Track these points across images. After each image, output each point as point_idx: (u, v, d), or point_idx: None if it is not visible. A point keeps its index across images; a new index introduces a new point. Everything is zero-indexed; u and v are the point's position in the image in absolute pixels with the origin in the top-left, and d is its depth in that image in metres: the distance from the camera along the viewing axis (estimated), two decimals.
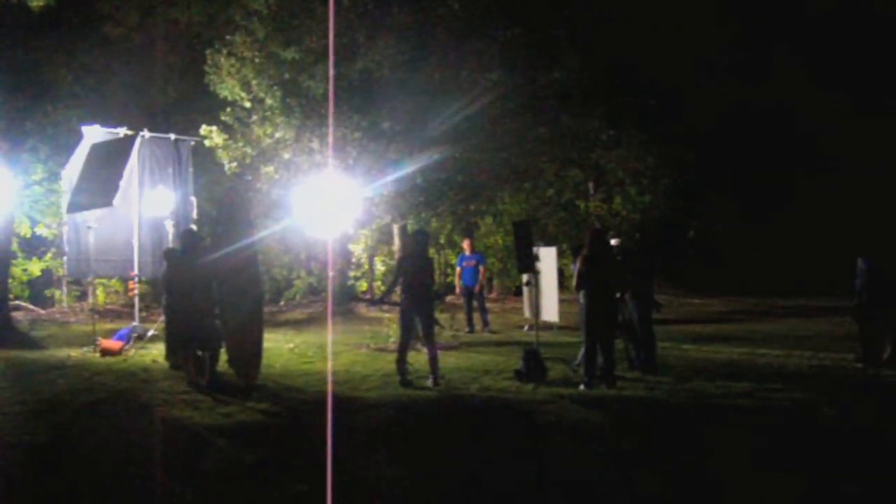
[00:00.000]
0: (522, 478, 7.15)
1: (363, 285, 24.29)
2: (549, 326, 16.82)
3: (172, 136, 17.77)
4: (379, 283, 22.98)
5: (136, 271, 16.81)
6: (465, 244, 19.19)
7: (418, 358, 12.19)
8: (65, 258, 17.41)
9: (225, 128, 16.75)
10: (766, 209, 27.33)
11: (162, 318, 14.52)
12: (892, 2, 25.22)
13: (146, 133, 17.19)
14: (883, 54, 25.65)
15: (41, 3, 16.23)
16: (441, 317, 15.48)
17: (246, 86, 16.24)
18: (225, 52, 16.28)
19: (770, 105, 26.85)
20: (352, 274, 23.69)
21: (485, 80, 16.27)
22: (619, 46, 23.79)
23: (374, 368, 12.64)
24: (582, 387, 10.88)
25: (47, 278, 22.48)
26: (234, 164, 16.78)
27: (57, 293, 22.47)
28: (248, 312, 11.14)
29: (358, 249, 18.73)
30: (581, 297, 11.30)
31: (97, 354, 14.14)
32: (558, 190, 26.61)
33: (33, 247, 21.62)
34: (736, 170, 27.57)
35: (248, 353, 11.14)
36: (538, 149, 18.74)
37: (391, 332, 14.53)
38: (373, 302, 19.15)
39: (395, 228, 17.70)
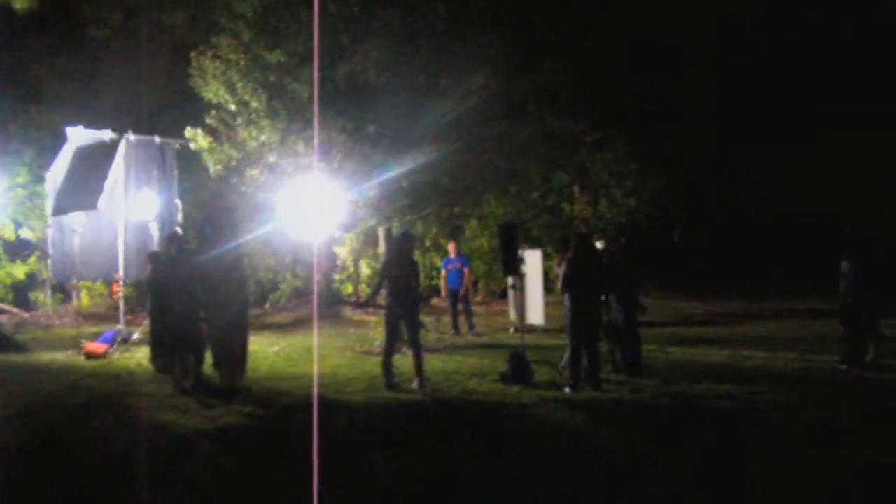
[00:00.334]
0: (508, 480, 7.16)
1: (349, 288, 24.28)
2: (534, 329, 16.84)
3: (157, 139, 17.70)
4: (364, 286, 22.99)
5: (120, 274, 16.75)
6: (451, 247, 19.17)
7: (404, 361, 12.18)
8: (49, 261, 17.35)
9: (210, 130, 16.75)
10: (751, 210, 27.46)
11: (146, 321, 14.48)
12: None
13: (131, 135, 17.11)
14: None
15: (25, 6, 16.21)
16: (426, 320, 15.48)
17: (231, 89, 16.24)
18: (210, 54, 16.28)
19: (756, 103, 27.01)
20: (337, 277, 23.69)
21: (469, 84, 16.31)
22: (603, 49, 23.84)
23: (359, 371, 12.62)
24: (567, 389, 10.89)
25: (32, 281, 22.39)
26: (220, 167, 16.79)
27: (41, 296, 22.37)
28: (233, 315, 11.11)
29: (343, 252, 18.74)
30: (566, 299, 11.33)
31: (82, 358, 14.08)
32: (543, 193, 26.64)
33: (17, 250, 21.54)
34: (720, 170, 27.70)
35: (234, 356, 11.11)
36: (523, 151, 18.77)
37: (377, 335, 14.52)
38: (358, 305, 19.15)
39: (381, 231, 17.75)
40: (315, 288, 23.41)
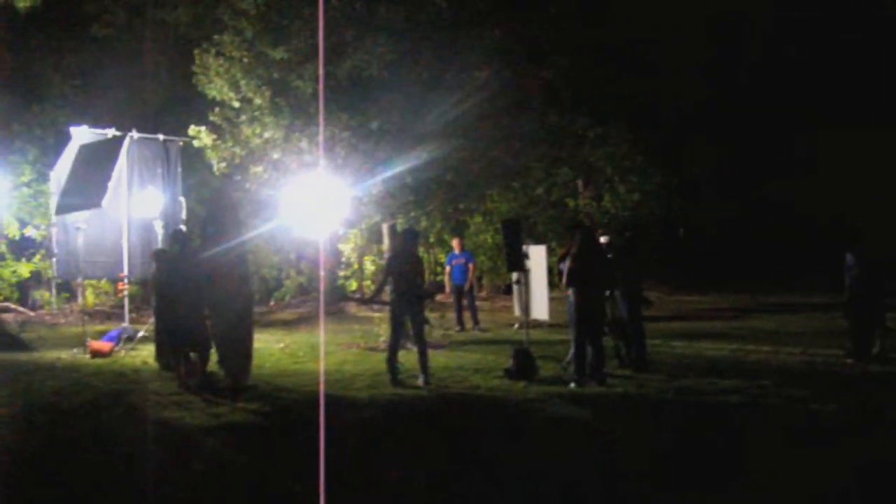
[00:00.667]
0: (514, 476, 7.16)
1: (353, 285, 24.26)
2: (538, 324, 16.84)
3: (161, 137, 17.73)
4: (369, 282, 22.96)
5: (125, 272, 16.77)
6: (455, 243, 19.19)
7: (409, 357, 12.18)
8: (54, 260, 17.37)
9: (214, 128, 16.72)
10: (756, 204, 27.42)
11: (151, 319, 14.49)
12: None
13: (135, 134, 17.14)
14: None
15: (28, 4, 16.20)
16: (431, 315, 15.48)
17: (234, 86, 16.21)
18: (213, 51, 16.25)
19: (758, 98, 26.97)
20: (341, 273, 23.67)
21: (473, 79, 16.29)
22: (607, 44, 23.82)
23: (364, 368, 12.64)
24: (572, 384, 10.89)
25: (36, 280, 22.43)
26: (223, 165, 16.75)
27: (46, 295, 22.40)
28: (238, 313, 11.12)
29: (347, 249, 18.69)
30: (570, 294, 11.32)
31: (87, 356, 14.11)
32: (547, 188, 26.61)
33: (22, 248, 21.56)
34: (724, 163, 27.65)
35: (239, 353, 11.12)
36: (527, 147, 18.73)
37: (381, 331, 14.53)
38: (363, 301, 19.14)
39: (385, 228, 17.72)
40: (320, 285, 23.42)
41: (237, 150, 16.51)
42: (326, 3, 15.30)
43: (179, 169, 18.03)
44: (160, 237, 16.43)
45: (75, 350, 14.63)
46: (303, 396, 10.56)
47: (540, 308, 16.47)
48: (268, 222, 17.31)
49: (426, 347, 11.57)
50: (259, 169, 16.45)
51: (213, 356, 11.45)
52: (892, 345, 12.62)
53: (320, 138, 15.67)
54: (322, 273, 21.52)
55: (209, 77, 16.40)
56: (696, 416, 9.37)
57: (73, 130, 16.71)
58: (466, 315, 18.01)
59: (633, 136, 25.36)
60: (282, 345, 15.50)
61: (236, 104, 16.33)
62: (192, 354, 11.30)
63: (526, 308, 14.60)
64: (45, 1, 16.42)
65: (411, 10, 15.98)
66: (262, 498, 6.68)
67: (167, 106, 24.11)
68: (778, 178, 26.85)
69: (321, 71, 15.47)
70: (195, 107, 18.65)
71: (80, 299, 20.55)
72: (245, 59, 15.97)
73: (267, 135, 16.08)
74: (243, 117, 16.32)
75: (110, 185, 15.25)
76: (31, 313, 20.83)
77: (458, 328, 17.73)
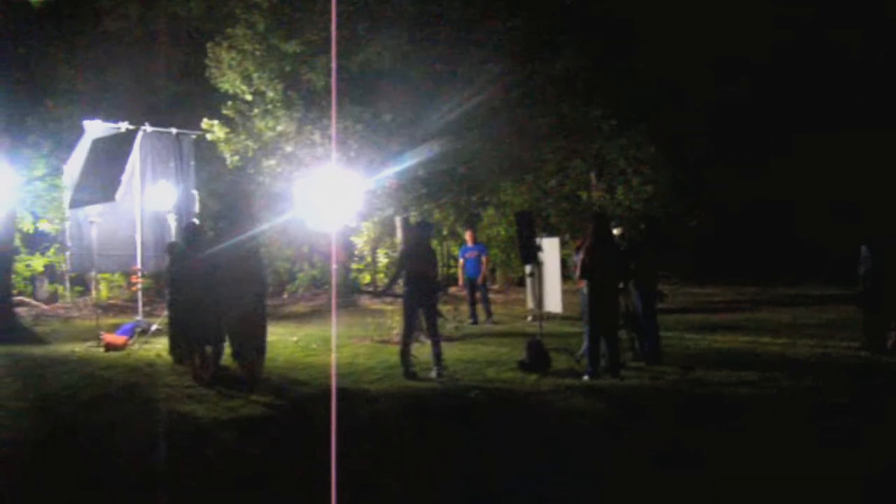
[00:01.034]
0: (528, 469, 7.15)
1: (366, 277, 24.30)
2: (552, 317, 16.82)
3: (174, 131, 17.76)
4: (382, 275, 23.00)
5: (139, 266, 16.82)
6: (468, 235, 19.13)
7: (422, 350, 12.18)
8: (67, 253, 17.44)
9: (226, 121, 16.76)
10: (772, 195, 27.29)
11: (165, 312, 14.53)
12: None
13: (148, 127, 17.18)
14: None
15: None
16: (444, 308, 15.47)
17: (247, 79, 16.25)
18: (226, 45, 16.29)
19: (774, 89, 26.84)
20: (354, 266, 23.71)
21: (486, 72, 16.27)
22: (620, 35, 23.72)
23: (377, 360, 12.64)
24: (586, 377, 10.87)
25: (51, 274, 22.51)
26: (236, 158, 16.81)
27: (60, 288, 22.48)
28: (251, 306, 11.11)
29: (360, 242, 18.75)
30: (584, 287, 11.29)
31: (101, 349, 14.15)
32: (560, 180, 26.54)
33: (36, 242, 21.62)
34: (739, 157, 27.51)
35: (252, 346, 11.12)
36: (540, 139, 18.72)
37: (394, 324, 14.53)
38: (376, 294, 19.17)
39: (398, 220, 17.74)
40: (333, 278, 23.45)
41: (250, 143, 16.56)
42: None
43: (192, 162, 18.06)
44: (173, 230, 16.47)
45: (89, 343, 14.67)
46: (316, 389, 10.56)
47: (553, 300, 16.45)
48: (281, 215, 17.34)
49: (439, 340, 11.57)
50: (272, 162, 16.49)
51: (227, 349, 11.48)
52: None
53: (332, 131, 15.69)
54: (334, 266, 21.56)
55: (222, 70, 16.45)
56: (711, 409, 9.34)
57: (87, 124, 16.76)
58: (479, 308, 17.99)
59: (647, 127, 25.23)
60: (295, 338, 15.51)
61: (249, 97, 16.37)
62: (205, 347, 11.32)
63: (539, 300, 14.58)
64: None
65: (424, 2, 15.96)
66: (275, 490, 6.69)
67: (180, 99, 24.13)
68: (792, 170, 26.71)
69: (333, 64, 15.48)
70: (208, 100, 18.69)
71: (93, 293, 20.62)
72: (257, 53, 16.01)
73: (280, 128, 16.12)
74: (256, 110, 16.36)
75: (123, 178, 15.31)
76: (45, 307, 20.90)
77: (471, 321, 17.71)
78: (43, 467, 7.40)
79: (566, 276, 17.51)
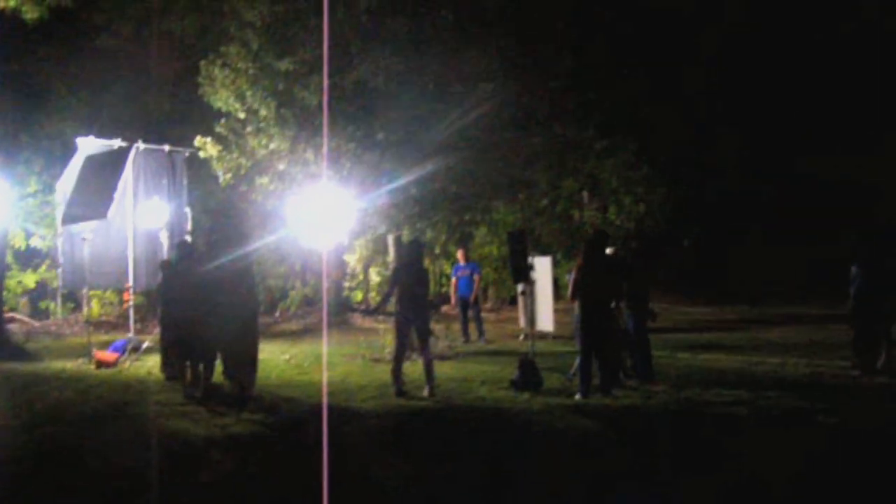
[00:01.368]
0: (519, 488, 7.15)
1: (358, 296, 24.28)
2: (544, 336, 16.82)
3: (167, 148, 17.77)
4: (374, 293, 22.99)
5: (130, 283, 16.80)
6: (460, 254, 19.13)
7: (414, 368, 12.18)
8: (59, 270, 17.40)
9: (219, 139, 16.77)
10: (761, 216, 27.43)
11: (157, 329, 14.51)
12: None
13: (140, 144, 17.18)
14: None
15: (35, 16, 16.23)
16: (436, 327, 15.47)
17: (240, 97, 16.28)
18: (219, 63, 16.32)
19: (766, 106, 27.04)
20: (347, 284, 23.69)
21: (479, 91, 16.31)
22: (613, 54, 23.84)
23: (369, 379, 12.63)
24: (577, 396, 10.87)
25: (42, 290, 22.47)
26: (229, 176, 16.81)
27: (52, 305, 22.44)
28: (243, 323, 11.11)
29: (353, 260, 18.74)
30: (576, 306, 11.30)
31: (92, 366, 14.12)
32: (553, 200, 26.54)
33: (28, 259, 21.61)
34: (730, 174, 27.68)
35: (244, 364, 11.12)
36: (532, 159, 18.74)
37: (386, 342, 14.52)
38: (368, 312, 19.14)
39: (390, 239, 17.74)
40: (325, 296, 23.43)
41: (243, 160, 16.57)
42: (332, 15, 15.35)
43: (185, 180, 18.06)
44: (166, 248, 16.45)
45: (81, 360, 14.64)
46: (307, 407, 10.55)
47: (545, 319, 16.48)
48: (273, 233, 17.35)
49: (431, 358, 11.56)
50: (265, 180, 16.49)
51: (219, 367, 11.47)
52: None
53: (325, 149, 15.71)
54: (327, 284, 21.55)
55: (215, 88, 16.47)
56: (703, 428, 9.35)
57: (80, 141, 16.76)
58: (472, 326, 17.99)
59: (639, 147, 25.31)
60: (287, 356, 15.49)
61: (242, 115, 16.39)
62: (197, 365, 11.31)
63: (531, 319, 14.59)
64: (52, 12, 16.44)
65: (417, 22, 16.02)
66: None
67: (173, 117, 24.17)
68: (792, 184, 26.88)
69: (326, 82, 15.52)
70: (201, 118, 18.72)
71: (85, 309, 20.59)
72: (251, 71, 16.03)
73: (272, 146, 16.13)
74: (249, 128, 16.38)
75: (116, 195, 15.33)
76: (37, 323, 20.86)
77: (463, 339, 17.70)
78: (32, 485, 7.37)
79: (558, 295, 17.53)
